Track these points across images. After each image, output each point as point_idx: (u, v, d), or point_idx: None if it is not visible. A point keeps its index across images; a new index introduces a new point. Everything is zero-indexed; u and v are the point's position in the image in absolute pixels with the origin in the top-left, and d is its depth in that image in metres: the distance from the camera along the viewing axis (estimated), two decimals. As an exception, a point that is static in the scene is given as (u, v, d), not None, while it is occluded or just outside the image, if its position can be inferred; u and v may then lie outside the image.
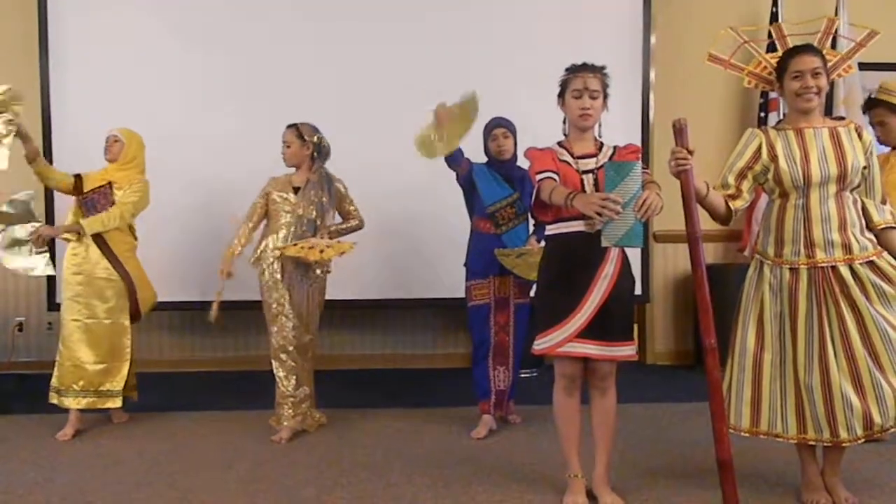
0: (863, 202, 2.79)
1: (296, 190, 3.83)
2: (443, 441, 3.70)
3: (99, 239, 3.86)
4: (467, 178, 3.84)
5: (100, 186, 3.90)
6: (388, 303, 5.23)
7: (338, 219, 3.99)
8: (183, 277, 4.93)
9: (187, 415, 4.19)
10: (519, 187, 3.79)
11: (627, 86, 4.99)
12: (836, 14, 5.16)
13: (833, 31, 2.98)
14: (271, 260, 3.77)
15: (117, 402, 3.95)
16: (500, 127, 3.83)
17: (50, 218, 4.92)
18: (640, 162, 2.62)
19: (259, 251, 3.82)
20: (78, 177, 3.95)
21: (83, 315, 3.86)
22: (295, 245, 3.70)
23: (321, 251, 3.69)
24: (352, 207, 4.01)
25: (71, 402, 3.85)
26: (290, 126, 3.86)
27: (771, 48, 3.25)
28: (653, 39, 5.26)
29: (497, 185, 3.81)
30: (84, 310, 3.87)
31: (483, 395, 3.85)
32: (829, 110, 5.17)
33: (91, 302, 3.87)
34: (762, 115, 5.38)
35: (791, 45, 2.90)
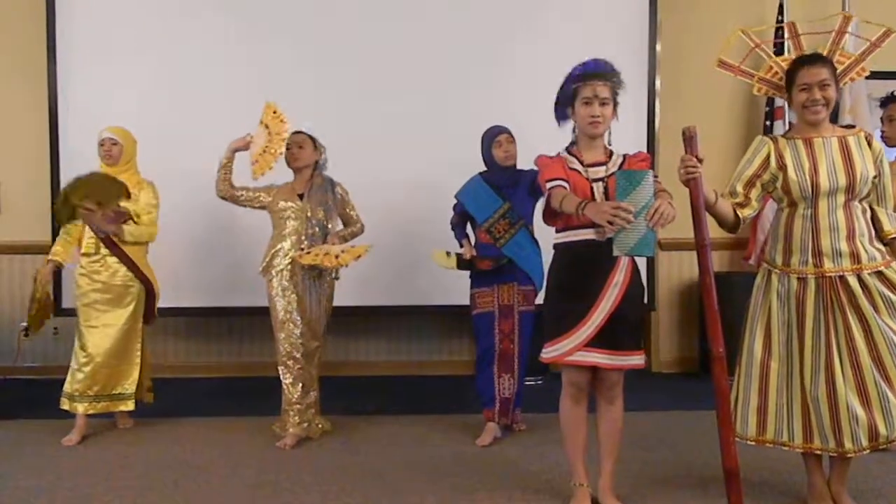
0: (873, 210, 2.79)
1: (300, 196, 3.83)
2: (447, 448, 3.69)
3: (115, 247, 3.86)
4: (461, 214, 3.95)
5: None
6: (392, 309, 5.23)
7: (339, 224, 3.99)
8: (188, 283, 4.94)
9: (192, 420, 4.19)
10: (512, 193, 3.79)
11: (633, 93, 4.95)
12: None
13: (847, 29, 2.90)
14: (281, 267, 3.78)
15: (130, 405, 3.95)
16: (503, 133, 3.84)
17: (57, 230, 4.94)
18: (651, 171, 2.61)
19: (267, 260, 3.81)
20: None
21: (100, 321, 3.86)
22: (309, 252, 3.72)
23: (336, 256, 3.70)
24: (353, 212, 4.01)
25: (86, 408, 3.85)
26: (299, 131, 3.87)
27: (778, 51, 3.23)
28: (658, 47, 5.26)
29: (486, 200, 3.81)
30: (101, 316, 3.86)
31: (488, 403, 3.84)
32: (834, 119, 5.16)
33: (108, 308, 3.87)
34: (767, 123, 5.37)
35: (803, 46, 2.88)
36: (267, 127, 3.80)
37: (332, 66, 5.06)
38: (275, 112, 3.81)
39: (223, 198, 3.83)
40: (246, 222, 4.58)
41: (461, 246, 3.95)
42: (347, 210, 3.99)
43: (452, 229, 3.99)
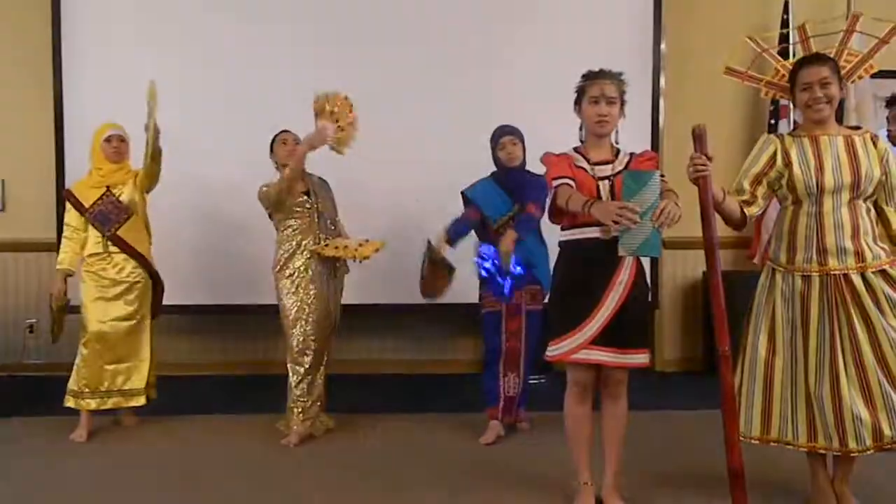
0: (882, 210, 2.79)
1: (305, 194, 3.84)
2: (451, 446, 3.70)
3: (123, 243, 3.87)
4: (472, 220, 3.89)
5: (101, 196, 3.85)
6: (397, 307, 5.22)
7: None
8: (191, 281, 4.94)
9: (196, 418, 4.20)
10: (522, 196, 3.78)
11: (638, 92, 4.96)
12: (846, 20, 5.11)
13: (856, 28, 2.90)
14: (298, 264, 3.78)
15: (141, 401, 3.97)
16: (507, 135, 3.83)
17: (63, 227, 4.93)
18: (658, 171, 2.61)
19: (283, 258, 3.80)
20: (68, 196, 3.88)
21: (108, 317, 3.86)
22: (327, 245, 3.75)
23: (356, 249, 3.74)
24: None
25: (98, 404, 3.86)
26: (288, 131, 3.89)
27: (783, 54, 3.24)
28: (663, 46, 5.25)
29: (497, 202, 3.81)
30: (109, 312, 3.86)
31: (491, 401, 3.85)
32: (839, 118, 5.14)
33: (117, 304, 3.88)
34: (772, 122, 5.36)
35: (813, 48, 2.89)
36: (332, 113, 3.76)
37: (336, 67, 5.02)
38: (333, 99, 3.78)
39: (277, 202, 3.77)
40: (249, 221, 4.58)
41: (448, 234, 3.85)
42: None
43: (454, 223, 3.88)
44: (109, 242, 3.86)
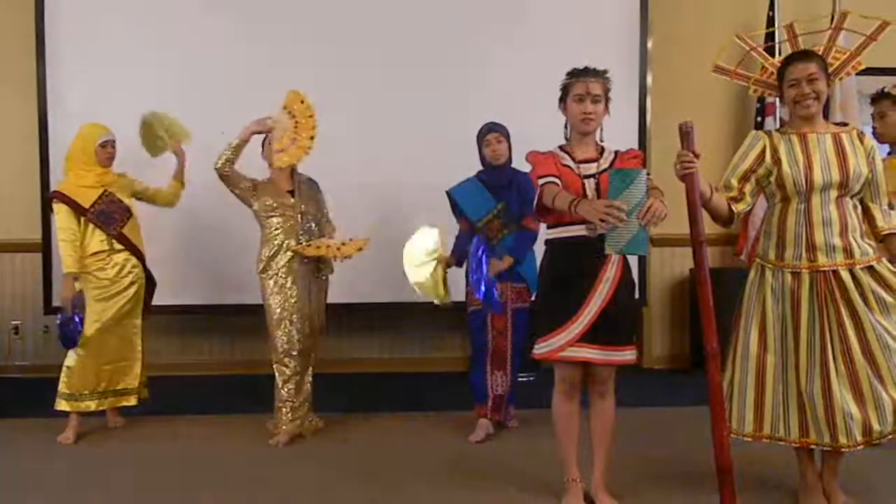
0: (867, 206, 2.81)
1: (290, 193, 3.83)
2: (440, 445, 3.70)
3: (127, 240, 3.87)
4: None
5: (100, 196, 3.83)
6: (385, 306, 5.22)
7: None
8: (180, 281, 4.91)
9: (184, 418, 4.18)
10: (507, 194, 3.78)
11: (625, 90, 4.98)
12: (832, 19, 5.14)
13: (843, 25, 2.91)
14: (281, 264, 3.77)
15: (133, 400, 3.96)
16: (492, 132, 3.83)
17: (48, 227, 4.90)
18: (645, 170, 2.62)
19: (266, 259, 3.79)
20: (62, 197, 3.80)
21: (107, 316, 3.84)
22: (310, 245, 3.74)
23: (338, 248, 3.74)
24: (328, 212, 4.02)
25: (95, 405, 3.84)
26: None
27: (769, 52, 3.25)
28: (650, 43, 5.27)
29: (480, 199, 3.82)
30: (106, 312, 3.84)
31: (480, 400, 3.85)
32: (825, 115, 5.17)
33: (115, 303, 3.86)
34: (758, 119, 5.39)
35: (801, 47, 2.90)
36: (293, 116, 3.76)
37: (326, 68, 5.02)
38: (302, 101, 3.77)
39: (222, 175, 3.75)
40: (237, 221, 4.55)
41: (453, 255, 3.90)
42: (325, 211, 4.00)
43: (455, 243, 3.94)
44: (115, 241, 3.84)
